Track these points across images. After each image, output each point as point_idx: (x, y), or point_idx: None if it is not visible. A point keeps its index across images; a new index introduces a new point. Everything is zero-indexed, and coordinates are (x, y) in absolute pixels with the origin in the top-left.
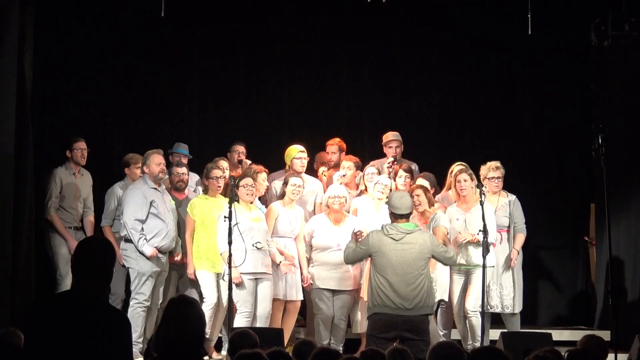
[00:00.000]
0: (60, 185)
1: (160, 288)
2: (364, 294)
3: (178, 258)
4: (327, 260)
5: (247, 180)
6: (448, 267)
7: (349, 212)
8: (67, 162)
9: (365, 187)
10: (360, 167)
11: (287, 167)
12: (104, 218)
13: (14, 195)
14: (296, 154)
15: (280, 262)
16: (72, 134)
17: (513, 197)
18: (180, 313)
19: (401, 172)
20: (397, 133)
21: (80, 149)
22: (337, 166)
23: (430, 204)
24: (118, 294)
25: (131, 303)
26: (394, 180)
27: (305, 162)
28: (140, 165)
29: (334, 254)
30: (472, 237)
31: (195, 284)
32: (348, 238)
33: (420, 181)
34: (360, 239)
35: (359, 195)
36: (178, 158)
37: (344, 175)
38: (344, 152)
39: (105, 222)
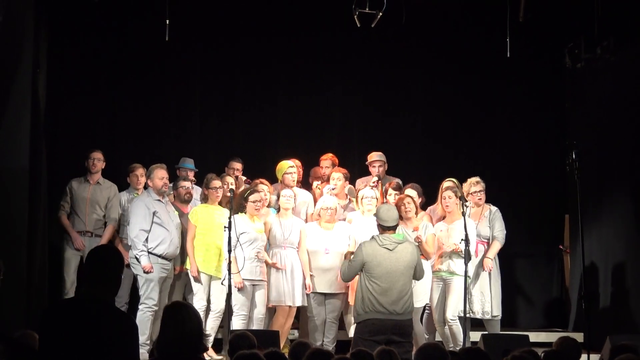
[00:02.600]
0: (71, 193)
1: (166, 293)
2: (351, 298)
3: (176, 272)
4: (317, 265)
5: (256, 196)
6: (430, 273)
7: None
8: (86, 172)
9: (359, 205)
10: (349, 179)
11: (279, 182)
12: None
13: (28, 205)
14: (287, 169)
15: (275, 263)
16: (83, 147)
17: (494, 208)
18: (175, 317)
19: (390, 191)
20: (380, 153)
21: (93, 158)
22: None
23: (416, 212)
24: (122, 297)
25: (140, 307)
26: (385, 198)
27: (295, 176)
28: (136, 173)
29: (324, 258)
30: (455, 247)
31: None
32: (337, 242)
33: (409, 191)
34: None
35: (347, 205)
36: (185, 172)
37: (333, 188)
38: (336, 166)
39: (110, 222)
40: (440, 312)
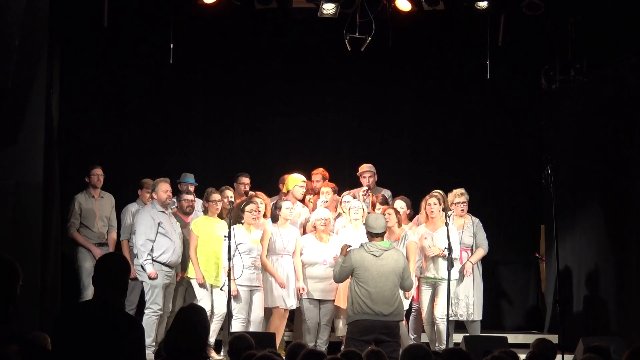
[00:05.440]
0: (79, 209)
1: (170, 298)
2: (340, 302)
3: (178, 278)
4: (314, 274)
5: (252, 206)
6: (416, 279)
7: (333, 232)
8: (87, 188)
9: (343, 211)
10: (337, 192)
11: (285, 192)
12: (122, 233)
13: (42, 217)
14: (299, 182)
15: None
16: (94, 163)
17: (476, 220)
18: (188, 319)
19: (378, 205)
20: (370, 165)
21: (97, 174)
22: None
23: (399, 224)
24: (133, 302)
25: (146, 312)
26: (372, 210)
27: (304, 190)
28: (148, 189)
29: (320, 268)
30: (440, 251)
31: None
32: (332, 254)
33: (398, 202)
34: (346, 250)
35: (337, 217)
36: (186, 186)
37: (325, 202)
38: (327, 180)
39: (124, 237)
40: (429, 313)
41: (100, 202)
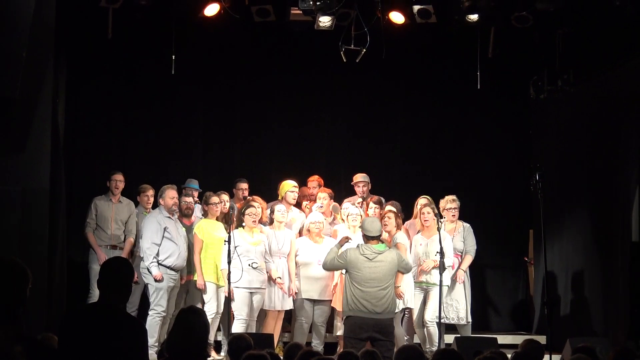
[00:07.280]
0: (96, 210)
1: (174, 300)
2: (336, 304)
3: (183, 281)
4: (309, 274)
5: (252, 210)
6: (412, 281)
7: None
8: (108, 191)
9: (343, 220)
10: (333, 198)
11: (280, 198)
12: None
13: (49, 222)
14: (290, 188)
15: (277, 278)
16: (99, 170)
17: (467, 225)
18: (188, 320)
19: (372, 204)
20: (365, 175)
21: (115, 180)
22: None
23: (398, 227)
24: (134, 304)
25: (150, 313)
26: (366, 211)
27: (296, 195)
28: (147, 193)
29: (314, 268)
30: (434, 264)
31: (200, 296)
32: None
33: (389, 208)
34: (345, 242)
35: (332, 221)
36: (190, 191)
37: (321, 206)
38: (322, 187)
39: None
40: (419, 316)
41: (117, 207)
